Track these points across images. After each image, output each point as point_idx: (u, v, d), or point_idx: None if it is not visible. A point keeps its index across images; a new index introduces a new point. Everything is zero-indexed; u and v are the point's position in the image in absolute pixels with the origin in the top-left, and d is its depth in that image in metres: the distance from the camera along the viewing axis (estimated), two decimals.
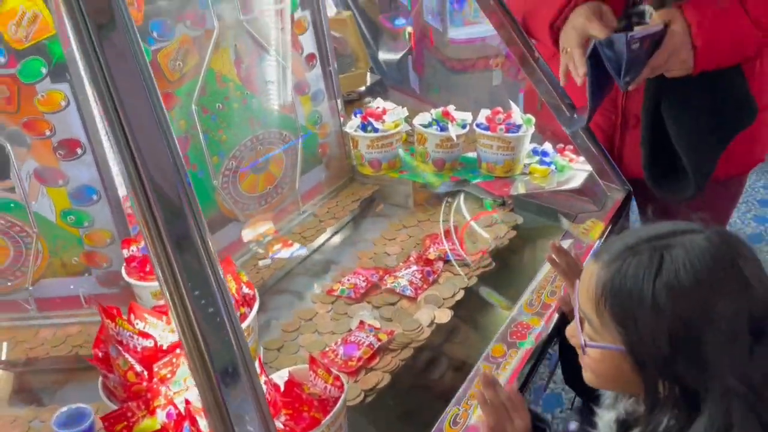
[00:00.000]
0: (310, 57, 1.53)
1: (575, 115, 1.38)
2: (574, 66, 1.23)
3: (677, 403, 0.76)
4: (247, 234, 1.42)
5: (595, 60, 1.15)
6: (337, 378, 0.90)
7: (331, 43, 1.57)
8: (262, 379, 0.86)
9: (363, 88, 2.06)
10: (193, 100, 1.26)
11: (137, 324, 0.92)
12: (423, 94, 2.70)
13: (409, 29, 2.68)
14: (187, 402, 0.84)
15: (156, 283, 0.80)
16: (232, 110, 1.34)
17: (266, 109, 1.43)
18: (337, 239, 1.52)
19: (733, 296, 0.74)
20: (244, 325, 0.97)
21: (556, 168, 1.52)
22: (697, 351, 0.73)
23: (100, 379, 0.94)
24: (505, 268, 1.37)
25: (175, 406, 0.86)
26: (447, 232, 1.43)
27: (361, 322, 1.20)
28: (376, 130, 1.52)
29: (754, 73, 1.29)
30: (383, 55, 2.65)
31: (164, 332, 0.94)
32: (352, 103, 1.93)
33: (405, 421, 1.07)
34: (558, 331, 1.13)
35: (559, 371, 1.15)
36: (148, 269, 1.08)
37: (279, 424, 0.86)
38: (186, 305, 0.64)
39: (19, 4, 1.01)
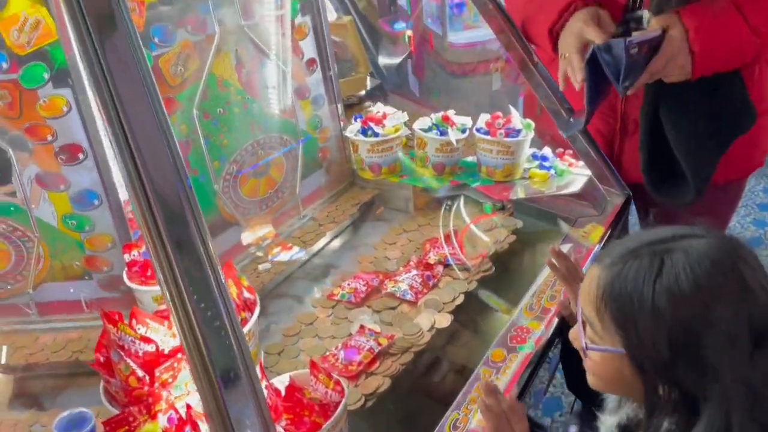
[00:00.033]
0: (311, 62, 1.54)
1: (572, 119, 1.38)
2: (573, 71, 1.23)
3: (677, 407, 0.76)
4: (248, 238, 1.42)
5: (593, 65, 1.16)
6: (338, 382, 0.90)
7: (332, 47, 1.58)
8: (263, 383, 0.86)
9: (363, 93, 2.06)
10: (195, 105, 1.26)
11: (139, 329, 0.92)
12: (423, 98, 2.70)
13: (409, 33, 2.68)
14: (189, 407, 0.84)
15: (157, 288, 0.80)
16: (233, 115, 1.35)
17: (267, 113, 1.43)
18: (337, 243, 1.52)
19: (733, 301, 0.74)
20: (245, 330, 0.97)
21: (555, 172, 1.52)
22: (696, 355, 0.73)
23: (102, 383, 0.94)
24: (505, 273, 1.37)
25: (177, 411, 0.86)
26: (447, 237, 1.43)
27: (362, 327, 1.20)
28: (376, 134, 1.52)
29: (753, 79, 1.30)
30: (383, 60, 2.64)
31: (166, 337, 0.94)
32: (353, 107, 1.93)
33: (405, 425, 1.07)
34: (558, 335, 1.13)
35: (558, 375, 1.15)
36: (149, 274, 1.09)
37: (280, 429, 0.86)
38: (187, 310, 0.64)
39: (22, 10, 1.02)
